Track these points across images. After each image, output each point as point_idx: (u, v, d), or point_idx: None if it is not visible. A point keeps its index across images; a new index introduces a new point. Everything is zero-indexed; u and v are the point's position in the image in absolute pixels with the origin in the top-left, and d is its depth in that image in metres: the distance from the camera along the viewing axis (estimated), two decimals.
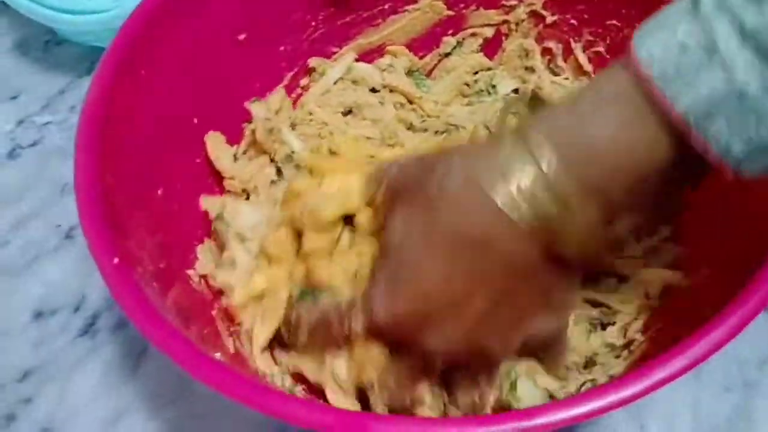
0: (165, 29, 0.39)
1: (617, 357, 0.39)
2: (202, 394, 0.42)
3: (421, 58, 0.51)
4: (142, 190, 0.37)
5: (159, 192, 0.38)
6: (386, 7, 0.48)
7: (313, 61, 0.48)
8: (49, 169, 0.52)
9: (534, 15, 0.49)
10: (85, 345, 0.45)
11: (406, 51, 0.50)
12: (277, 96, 0.47)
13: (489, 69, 0.51)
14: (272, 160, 0.45)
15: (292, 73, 0.48)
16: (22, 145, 0.54)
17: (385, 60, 0.50)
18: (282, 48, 0.46)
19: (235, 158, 0.44)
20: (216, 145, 0.43)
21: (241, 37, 0.43)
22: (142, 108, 0.38)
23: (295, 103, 0.48)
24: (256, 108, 0.45)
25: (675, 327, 0.36)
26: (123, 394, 0.43)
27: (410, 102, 0.49)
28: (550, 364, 0.36)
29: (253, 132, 0.45)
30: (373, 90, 0.49)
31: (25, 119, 0.55)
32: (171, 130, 0.40)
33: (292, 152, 0.45)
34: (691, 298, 0.37)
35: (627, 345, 0.39)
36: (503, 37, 0.51)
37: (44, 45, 0.59)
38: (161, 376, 0.43)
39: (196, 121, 0.42)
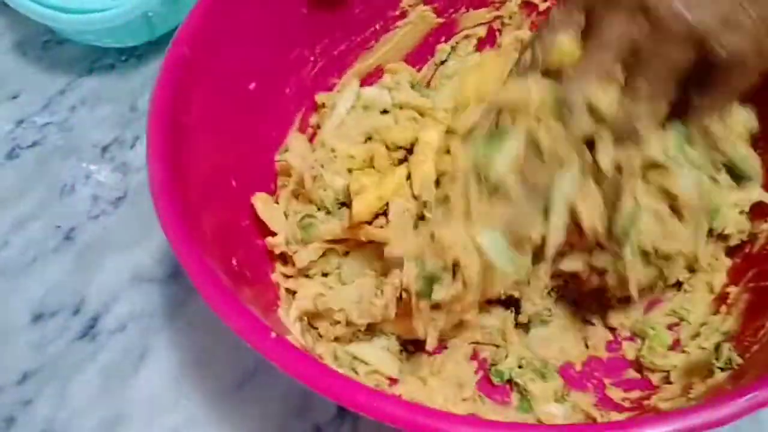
0: (189, 91, 0.37)
1: (715, 314, 0.40)
2: (202, 400, 0.42)
3: (418, 70, 0.50)
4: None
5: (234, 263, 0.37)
6: (377, 27, 0.48)
7: (320, 98, 0.47)
8: (49, 169, 0.52)
9: (526, 5, 0.49)
10: (84, 348, 0.44)
11: (404, 65, 0.50)
12: (299, 141, 0.45)
13: None
14: (319, 209, 0.43)
15: (301, 114, 0.46)
16: (21, 146, 0.53)
17: (388, 79, 0.49)
18: (288, 90, 0.45)
19: (286, 216, 0.43)
20: (265, 205, 0.42)
21: (251, 86, 0.42)
22: (188, 169, 0.36)
23: (310, 142, 0.47)
24: (291, 158, 0.44)
25: None
26: (122, 398, 0.42)
27: (421, 115, 0.47)
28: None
29: (296, 184, 0.43)
30: (384, 111, 0.48)
31: (25, 119, 0.54)
32: (212, 192, 0.38)
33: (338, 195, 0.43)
34: None
35: (722, 299, 0.40)
36: (497, 33, 0.51)
37: (44, 44, 0.58)
38: (161, 381, 0.43)
39: (234, 183, 0.41)
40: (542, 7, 0.49)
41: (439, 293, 0.35)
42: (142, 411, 0.42)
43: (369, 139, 0.46)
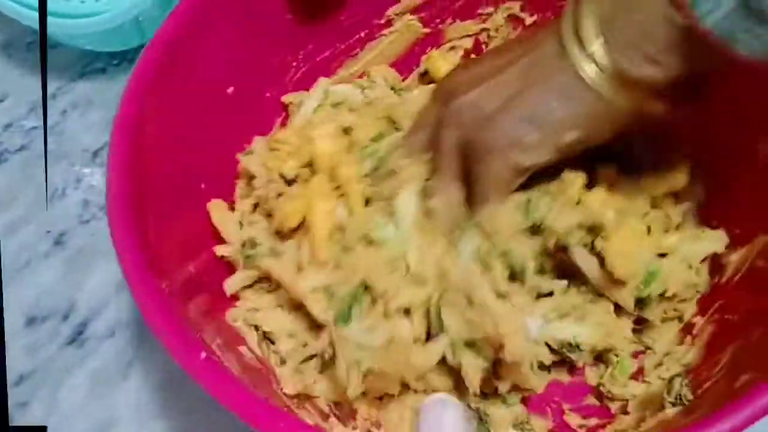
0: (160, 95, 0.37)
1: (680, 344, 0.39)
2: (191, 407, 0.43)
3: (403, 80, 0.50)
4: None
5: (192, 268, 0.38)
6: (362, 35, 0.48)
7: (287, 98, 0.46)
8: (38, 174, 0.52)
9: (512, 19, 0.49)
10: (74, 353, 0.45)
11: (387, 67, 0.49)
12: (261, 144, 0.44)
13: None
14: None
15: (280, 120, 0.46)
16: (9, 150, 0.53)
17: (365, 80, 0.49)
18: (268, 94, 0.45)
19: (241, 225, 0.42)
20: (220, 213, 0.41)
21: (230, 90, 0.42)
22: (154, 167, 0.36)
23: None
24: (250, 162, 0.42)
25: (740, 303, 0.37)
26: (112, 405, 0.43)
27: (390, 120, 0.45)
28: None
29: (257, 198, 0.42)
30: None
31: (13, 123, 0.54)
32: (180, 195, 0.39)
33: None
34: (748, 274, 0.38)
35: (687, 329, 0.39)
36: (483, 46, 0.51)
37: (34, 47, 0.58)
38: (150, 387, 0.43)
39: (203, 186, 0.41)
40: (528, 21, 0.49)
41: (358, 317, 0.35)
42: (131, 416, 0.43)
43: None
